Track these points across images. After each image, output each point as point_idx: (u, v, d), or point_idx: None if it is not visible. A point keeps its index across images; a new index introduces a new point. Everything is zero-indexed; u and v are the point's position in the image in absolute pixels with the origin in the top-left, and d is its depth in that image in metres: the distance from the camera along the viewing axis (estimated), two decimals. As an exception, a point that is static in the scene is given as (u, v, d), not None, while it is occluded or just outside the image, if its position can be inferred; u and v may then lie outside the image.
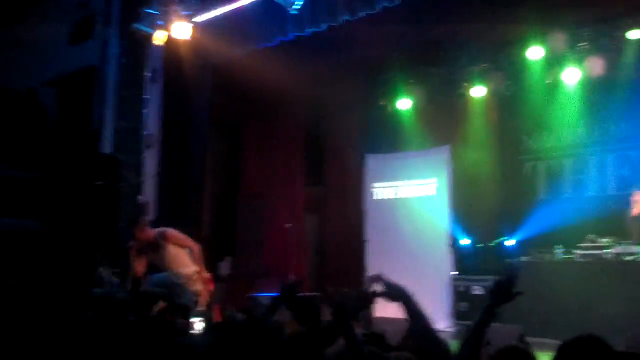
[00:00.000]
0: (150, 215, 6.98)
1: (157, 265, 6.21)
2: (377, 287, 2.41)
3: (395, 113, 10.60)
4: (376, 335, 3.97)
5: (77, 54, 10.09)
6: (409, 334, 5.93)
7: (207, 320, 4.88)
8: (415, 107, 10.37)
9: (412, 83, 10.23)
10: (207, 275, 6.36)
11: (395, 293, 2.37)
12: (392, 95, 10.56)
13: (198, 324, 4.47)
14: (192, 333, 4.12)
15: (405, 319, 2.45)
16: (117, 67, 9.48)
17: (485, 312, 2.28)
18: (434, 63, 9.83)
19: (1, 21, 11.57)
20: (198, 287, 6.21)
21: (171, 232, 6.27)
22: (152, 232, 6.20)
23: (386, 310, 7.69)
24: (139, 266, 6.28)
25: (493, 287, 2.31)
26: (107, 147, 8.88)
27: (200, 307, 6.06)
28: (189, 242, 6.37)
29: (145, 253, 6.24)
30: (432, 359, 2.20)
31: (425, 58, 9.58)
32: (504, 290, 2.31)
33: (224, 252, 8.66)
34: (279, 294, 3.35)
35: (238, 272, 8.20)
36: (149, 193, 8.45)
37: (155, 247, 6.17)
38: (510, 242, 9.00)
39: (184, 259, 6.26)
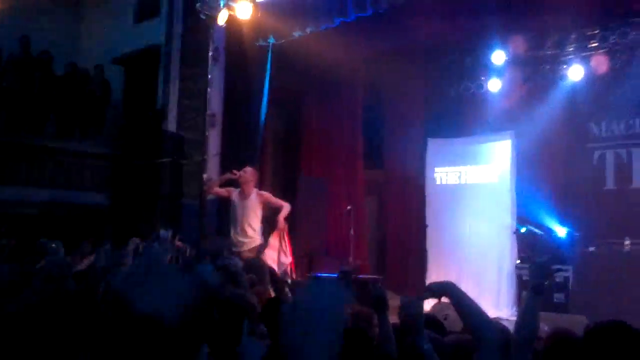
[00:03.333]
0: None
1: (233, 213, 6.75)
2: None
3: (458, 97, 10.48)
4: (435, 320, 4.02)
5: (142, 33, 10.42)
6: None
7: None
8: (479, 91, 10.22)
9: (478, 68, 10.08)
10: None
11: (439, 289, 2.45)
12: (456, 79, 10.43)
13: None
14: None
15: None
16: (181, 46, 9.73)
17: (529, 293, 2.33)
18: (499, 48, 9.64)
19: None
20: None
21: (268, 195, 7.00)
22: (253, 184, 6.89)
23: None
24: (213, 189, 7.21)
25: (531, 266, 2.44)
26: (171, 125, 9.15)
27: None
28: (280, 202, 7.05)
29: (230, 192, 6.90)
30: (486, 343, 2.20)
31: (489, 43, 9.42)
32: (542, 269, 2.41)
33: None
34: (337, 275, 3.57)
35: (298, 251, 8.36)
36: (212, 171, 8.69)
37: (245, 196, 6.73)
38: (575, 232, 8.83)
39: (256, 225, 6.78)
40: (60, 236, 7.42)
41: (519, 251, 9.13)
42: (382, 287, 3.17)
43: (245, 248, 6.52)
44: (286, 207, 6.77)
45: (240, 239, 6.58)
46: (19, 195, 9.17)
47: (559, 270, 7.77)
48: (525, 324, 2.29)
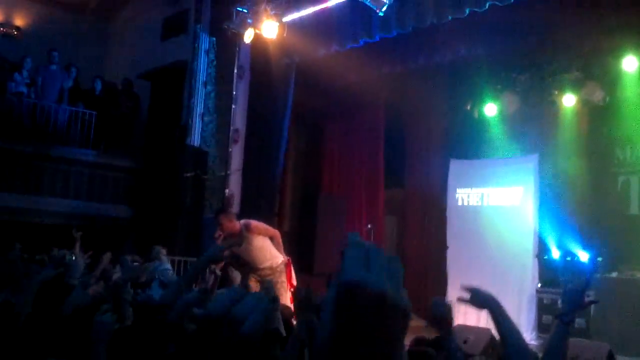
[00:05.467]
0: (234, 208, 7.29)
1: (240, 257, 6.35)
2: (464, 294, 2.44)
3: (481, 118, 10.54)
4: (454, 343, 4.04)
5: (169, 49, 10.66)
6: (492, 342, 6.02)
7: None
8: (502, 113, 10.26)
9: (500, 89, 10.14)
10: (286, 258, 6.49)
11: (482, 300, 2.40)
12: (478, 100, 10.52)
13: None
14: None
15: (488, 329, 2.48)
16: (206, 63, 9.94)
17: (559, 322, 2.28)
18: (523, 69, 9.71)
19: (98, 16, 12.32)
20: (283, 278, 6.37)
21: (254, 223, 6.47)
22: (238, 224, 6.37)
23: (469, 318, 7.75)
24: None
25: (564, 294, 2.34)
26: (195, 140, 9.34)
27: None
28: (270, 230, 6.61)
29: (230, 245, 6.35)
30: None
31: (514, 64, 9.49)
32: (576, 297, 2.33)
33: (304, 249, 8.93)
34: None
35: (318, 269, 8.43)
36: (234, 186, 8.84)
37: (240, 239, 6.30)
38: (598, 257, 8.79)
39: (269, 251, 6.44)
40: (82, 247, 7.61)
41: (541, 275, 9.11)
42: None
43: (269, 272, 6.44)
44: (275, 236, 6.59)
45: (262, 273, 6.40)
46: (42, 205, 9.39)
47: (592, 302, 7.70)
48: (553, 352, 2.25)
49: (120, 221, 10.08)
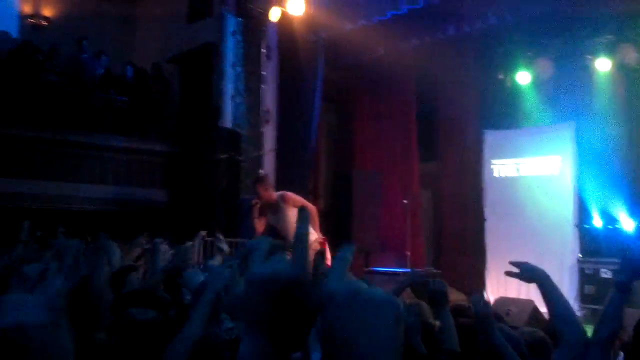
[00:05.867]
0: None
1: (276, 228, 6.51)
2: (513, 269, 2.43)
3: (514, 87, 10.36)
4: (497, 315, 4.06)
5: (196, 32, 10.68)
6: (535, 314, 5.99)
7: None
8: (536, 80, 10.07)
9: (532, 56, 9.94)
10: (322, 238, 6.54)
11: (531, 274, 2.39)
12: (511, 68, 10.33)
13: None
14: None
15: (531, 300, 2.46)
16: (234, 44, 9.94)
17: (616, 290, 2.23)
18: (554, 35, 9.48)
19: (124, 0, 12.38)
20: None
21: (291, 194, 6.58)
22: (274, 194, 6.52)
23: (510, 290, 7.73)
24: (259, 226, 6.72)
25: (621, 263, 2.27)
26: (227, 122, 9.38)
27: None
28: (306, 203, 6.59)
29: (265, 214, 6.59)
30: (566, 341, 2.18)
31: (545, 29, 9.26)
32: (635, 265, 2.25)
33: (340, 227, 8.96)
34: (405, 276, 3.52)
35: (355, 246, 8.45)
36: (268, 167, 8.89)
37: (275, 209, 6.46)
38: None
39: None
40: (120, 232, 7.75)
41: (581, 245, 9.00)
42: (443, 282, 3.08)
43: None
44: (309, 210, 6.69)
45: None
46: (81, 192, 9.58)
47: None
48: (609, 322, 2.19)
49: (158, 205, 10.24)
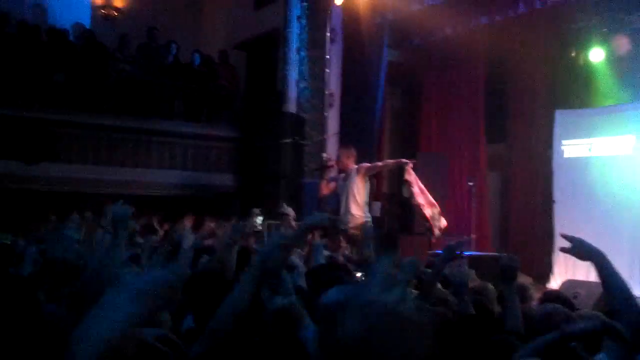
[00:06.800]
0: (333, 173, 7.46)
1: (339, 196, 6.98)
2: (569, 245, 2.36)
3: (587, 65, 10.00)
4: (564, 298, 4.02)
5: (262, 18, 10.86)
6: (604, 297, 5.87)
7: None
8: (610, 58, 9.69)
9: (607, 32, 9.56)
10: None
11: (585, 252, 2.31)
12: (584, 46, 9.97)
13: None
14: None
15: (600, 283, 2.38)
16: (299, 29, 10.06)
17: None
18: (632, 9, 9.09)
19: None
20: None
21: (366, 165, 7.10)
22: (353, 165, 6.96)
23: (579, 272, 7.57)
24: (325, 189, 7.30)
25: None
26: (291, 106, 9.54)
27: None
28: (379, 164, 7.57)
29: (336, 180, 7.14)
30: (624, 321, 2.12)
31: (621, 4, 8.90)
32: None
33: (405, 209, 8.99)
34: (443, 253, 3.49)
35: (418, 228, 8.48)
36: (331, 150, 9.00)
37: (346, 177, 6.93)
38: None
39: (362, 202, 6.95)
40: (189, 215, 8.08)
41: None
42: (516, 258, 2.95)
43: (351, 225, 6.80)
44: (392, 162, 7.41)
45: (345, 217, 6.84)
46: (152, 177, 9.99)
47: None
48: None
49: (226, 189, 10.55)
